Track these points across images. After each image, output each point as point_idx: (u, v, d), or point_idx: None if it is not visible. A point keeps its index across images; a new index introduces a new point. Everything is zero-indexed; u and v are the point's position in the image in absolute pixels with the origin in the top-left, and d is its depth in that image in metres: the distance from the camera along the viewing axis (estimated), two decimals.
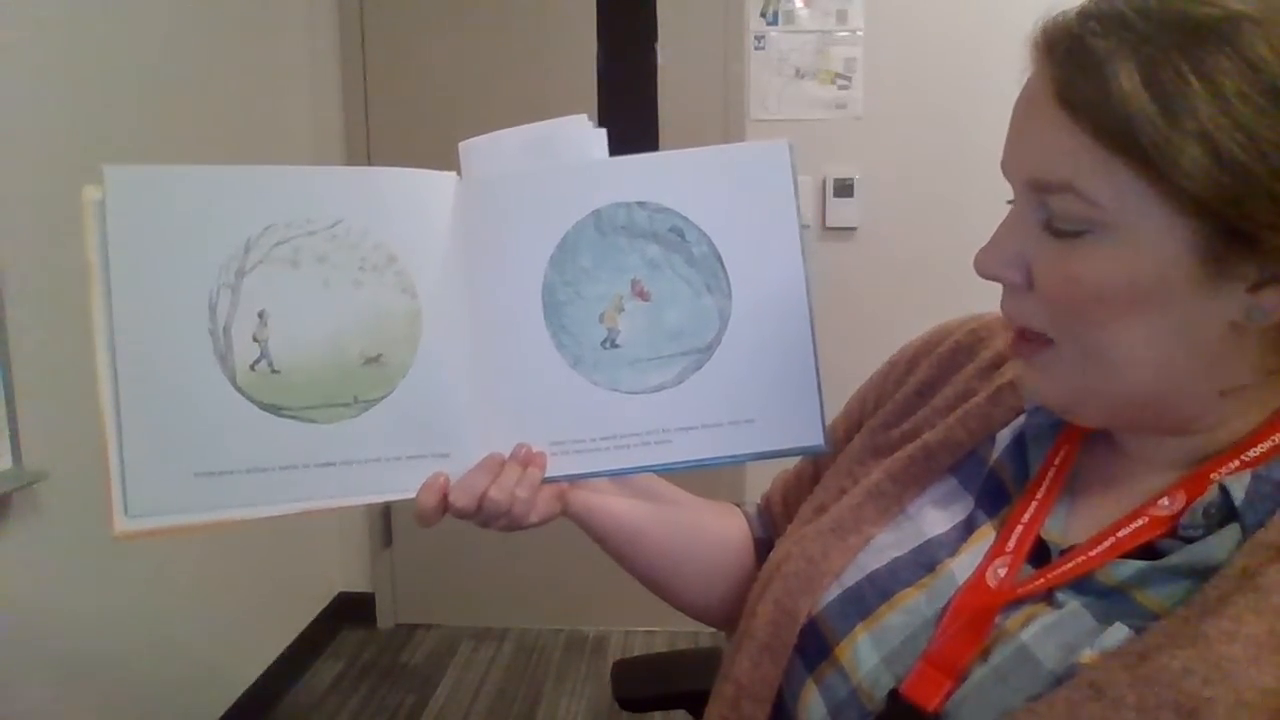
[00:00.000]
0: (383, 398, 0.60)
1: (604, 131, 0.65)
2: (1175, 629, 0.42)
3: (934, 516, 0.57)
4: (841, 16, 2.38)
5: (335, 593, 2.60)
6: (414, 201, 0.61)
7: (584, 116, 0.64)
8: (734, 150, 0.64)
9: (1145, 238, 0.42)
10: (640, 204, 0.62)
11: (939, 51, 2.35)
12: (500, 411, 0.62)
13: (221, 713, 2.03)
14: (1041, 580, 0.48)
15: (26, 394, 1.45)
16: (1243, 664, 0.39)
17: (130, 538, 0.55)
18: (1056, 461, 0.54)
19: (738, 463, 0.63)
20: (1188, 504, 0.46)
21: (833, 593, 0.56)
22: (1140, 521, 0.47)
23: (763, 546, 0.71)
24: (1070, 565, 0.48)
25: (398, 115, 2.47)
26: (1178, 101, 0.39)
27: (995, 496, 0.56)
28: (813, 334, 0.63)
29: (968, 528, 0.56)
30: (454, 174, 0.63)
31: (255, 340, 0.58)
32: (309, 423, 0.59)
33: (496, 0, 2.43)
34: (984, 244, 0.48)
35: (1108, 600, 0.46)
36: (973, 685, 0.46)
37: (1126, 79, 0.40)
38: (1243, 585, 0.41)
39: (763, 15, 2.40)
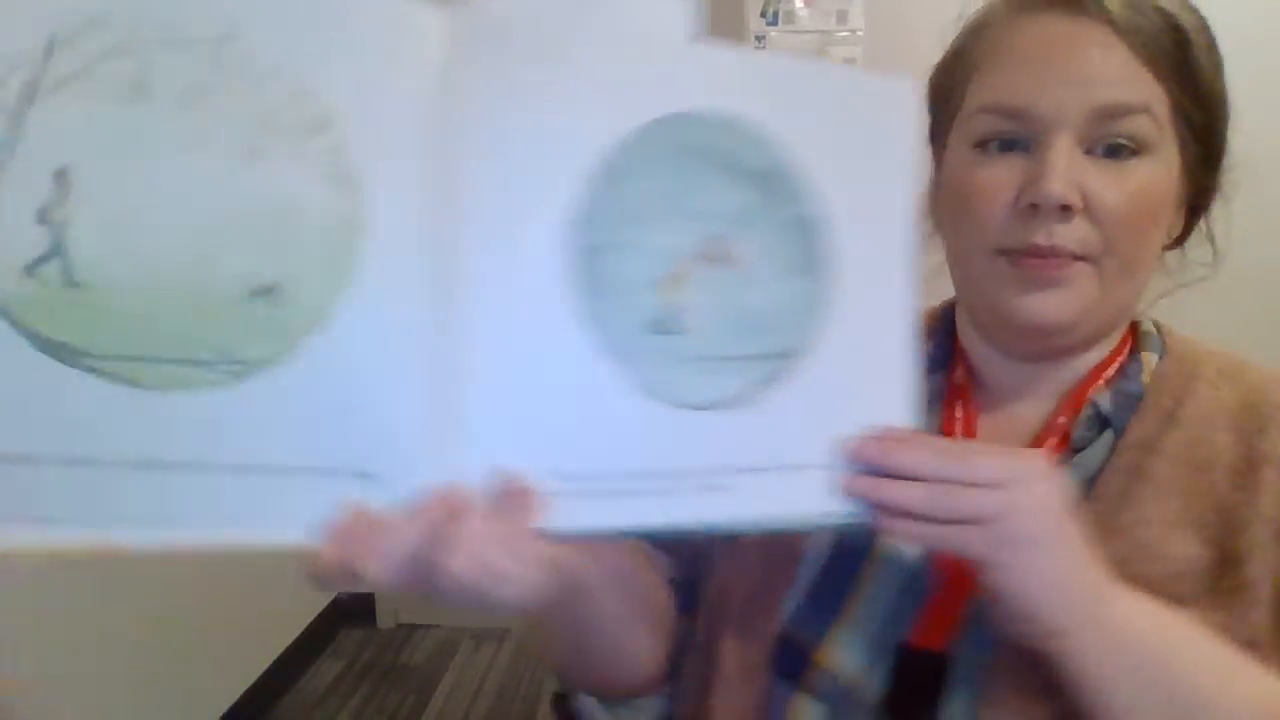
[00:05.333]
0: (272, 361, 0.34)
1: (693, 3, 0.42)
2: (1096, 525, 0.44)
3: None
4: (841, 16, 2.29)
5: (335, 592, 2.44)
6: (380, 36, 0.36)
7: None
8: (853, 77, 0.46)
9: (1173, 156, 0.50)
10: (732, 124, 0.41)
11: (939, 52, 2.21)
12: (474, 411, 0.38)
13: (222, 712, 1.95)
14: None
15: None
16: (1163, 542, 0.47)
17: None
18: (959, 415, 0.57)
19: (812, 529, 0.49)
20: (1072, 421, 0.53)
21: (792, 601, 0.53)
22: (1053, 440, 0.53)
23: (682, 588, 0.58)
24: None
25: None
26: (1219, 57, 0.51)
27: None
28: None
29: None
30: (451, 10, 0.38)
31: (43, 222, 0.31)
32: (130, 385, 0.33)
33: None
34: (1046, 175, 0.48)
35: None
36: (966, 621, 0.49)
37: (1195, 34, 0.49)
38: (1133, 480, 0.49)
39: (763, 15, 2.30)
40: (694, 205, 0.41)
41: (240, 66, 0.33)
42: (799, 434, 0.43)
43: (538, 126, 0.39)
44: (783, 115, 0.43)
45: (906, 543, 0.50)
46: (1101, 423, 0.52)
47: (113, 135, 0.32)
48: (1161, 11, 0.49)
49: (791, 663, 0.52)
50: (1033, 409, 0.55)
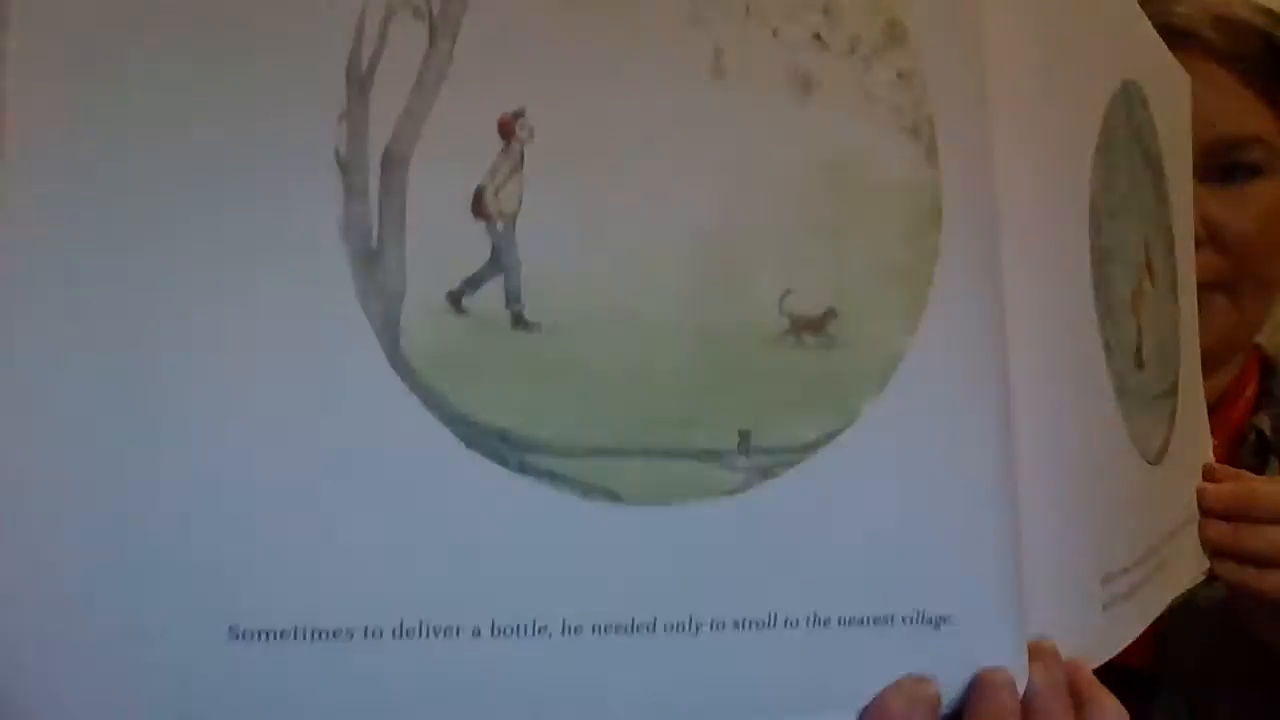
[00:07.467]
0: (818, 445, 0.20)
1: None
2: None
3: None
4: None
5: None
6: None
7: None
8: (1152, 43, 0.36)
9: None
10: (1145, 100, 0.33)
11: None
12: (1040, 494, 0.25)
13: None
14: None
15: None
16: None
17: None
18: None
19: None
20: (1231, 444, 0.50)
21: None
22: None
23: None
24: None
25: None
26: None
27: None
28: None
29: None
30: None
31: (483, 213, 0.17)
32: (604, 498, 0.18)
33: None
34: None
35: None
36: (1171, 631, 0.45)
37: None
38: None
39: None
40: (1141, 200, 0.32)
41: None
42: (1181, 485, 0.36)
43: (1071, 64, 0.27)
44: (1156, 94, 0.34)
45: (1254, 591, 0.42)
46: (1263, 447, 0.51)
47: (590, 54, 0.18)
48: (1260, 33, 0.49)
49: None
50: None
